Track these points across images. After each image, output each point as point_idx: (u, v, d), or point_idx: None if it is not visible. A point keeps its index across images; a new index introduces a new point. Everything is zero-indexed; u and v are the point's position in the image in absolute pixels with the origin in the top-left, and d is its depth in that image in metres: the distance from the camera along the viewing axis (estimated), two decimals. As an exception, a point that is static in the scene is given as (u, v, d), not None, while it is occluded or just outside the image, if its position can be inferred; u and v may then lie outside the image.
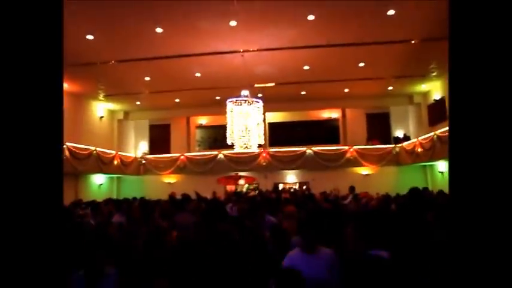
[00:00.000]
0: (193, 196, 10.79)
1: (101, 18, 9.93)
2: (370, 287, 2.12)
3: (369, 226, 2.51)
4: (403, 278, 2.15)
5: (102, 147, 16.76)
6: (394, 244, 2.81)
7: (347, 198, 10.92)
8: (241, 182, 18.03)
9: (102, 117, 19.14)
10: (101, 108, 19.06)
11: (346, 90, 17.43)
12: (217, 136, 19.50)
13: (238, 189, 17.16)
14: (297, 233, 3.70)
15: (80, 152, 15.22)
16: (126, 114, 20.72)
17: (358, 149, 18.09)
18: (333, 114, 20.20)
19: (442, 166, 16.18)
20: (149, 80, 15.06)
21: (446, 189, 12.32)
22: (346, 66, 14.25)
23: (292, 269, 2.75)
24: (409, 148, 16.71)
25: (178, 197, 10.69)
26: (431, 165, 17.08)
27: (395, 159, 17.92)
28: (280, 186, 18.17)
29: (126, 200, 9.96)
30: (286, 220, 5.39)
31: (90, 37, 10.98)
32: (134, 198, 11.26)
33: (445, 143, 13.55)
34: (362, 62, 13.75)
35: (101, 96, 17.65)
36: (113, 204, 8.99)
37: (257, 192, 14.88)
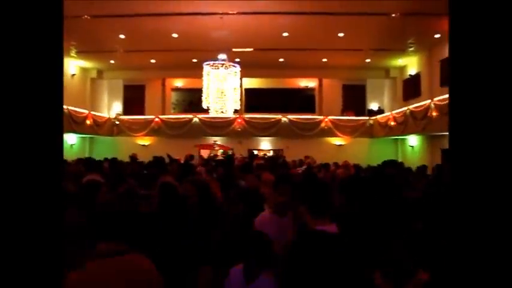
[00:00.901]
0: (166, 159, 10.77)
1: (74, -31, 9.51)
2: (313, 262, 2.17)
3: (318, 197, 2.45)
4: (347, 253, 2.18)
5: (74, 106, 16.36)
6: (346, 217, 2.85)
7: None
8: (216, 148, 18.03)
9: (74, 74, 18.59)
10: (72, 66, 18.48)
11: (324, 60, 17.40)
12: (192, 99, 19.27)
13: (212, 154, 17.16)
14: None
15: (51, 109, 14.83)
16: (100, 73, 20.18)
17: (333, 119, 18.25)
18: (310, 83, 20.21)
19: (413, 140, 16.53)
20: (124, 38, 14.65)
21: (414, 163, 12.66)
22: (325, 36, 14.16)
23: (260, 231, 2.80)
24: (383, 121, 16.96)
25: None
26: (402, 139, 17.43)
27: (368, 132, 18.18)
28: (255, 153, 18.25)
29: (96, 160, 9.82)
30: (264, 186, 5.45)
31: (62, -11, 10.52)
32: (105, 159, 11.15)
33: (416, 118, 13.81)
34: (342, 32, 13.68)
35: (73, 53, 17.05)
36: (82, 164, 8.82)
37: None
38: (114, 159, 9.43)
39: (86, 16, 12.40)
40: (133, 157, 12.03)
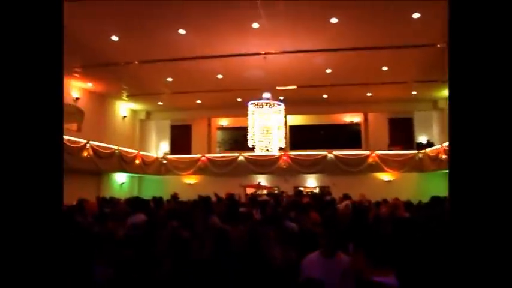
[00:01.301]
0: (213, 198, 10.82)
1: (125, 19, 10.04)
2: None
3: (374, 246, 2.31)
4: None
5: (124, 147, 16.97)
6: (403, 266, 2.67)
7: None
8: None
9: (124, 117, 19.40)
10: (123, 108, 19.31)
11: (369, 94, 17.23)
12: (238, 138, 19.49)
13: (258, 192, 17.12)
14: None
15: (103, 150, 15.43)
16: (148, 114, 20.95)
17: (380, 154, 17.82)
18: (355, 118, 19.99)
19: (466, 173, 15.79)
20: (171, 81, 15.18)
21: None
22: (369, 70, 14.08)
23: (313, 279, 2.69)
24: (433, 154, 16.37)
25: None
26: (455, 172, 16.69)
27: (418, 166, 17.57)
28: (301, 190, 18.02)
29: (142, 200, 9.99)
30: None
31: (114, 38, 11.13)
32: (153, 198, 11.35)
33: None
34: (385, 65, 13.57)
35: (124, 96, 17.82)
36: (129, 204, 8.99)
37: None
38: (158, 200, 9.53)
39: (135, 62, 13.00)
40: (174, 196, 12.20)
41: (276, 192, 16.15)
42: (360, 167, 17.70)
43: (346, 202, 9.82)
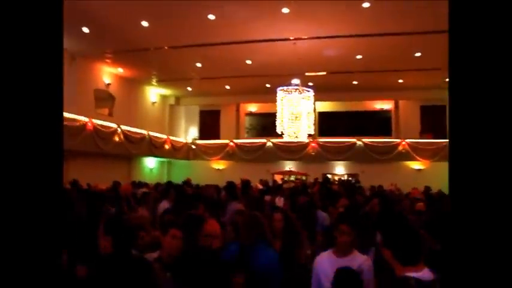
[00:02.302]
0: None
1: (155, 4, 10.06)
2: None
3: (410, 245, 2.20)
4: None
5: (154, 132, 17.23)
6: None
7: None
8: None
9: (154, 102, 19.63)
10: (153, 94, 19.54)
11: (400, 81, 16.83)
12: (266, 124, 19.45)
13: (285, 179, 17.13)
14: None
15: (134, 135, 15.72)
16: (177, 99, 21.13)
17: (411, 142, 17.48)
18: (386, 105, 19.61)
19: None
20: (200, 67, 15.22)
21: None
22: (401, 56, 13.73)
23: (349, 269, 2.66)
24: (466, 143, 15.94)
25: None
26: (489, 161, 16.22)
27: (450, 155, 17.15)
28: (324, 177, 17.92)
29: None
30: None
31: (145, 23, 11.19)
32: (184, 182, 11.55)
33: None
34: (418, 51, 13.19)
35: (154, 82, 18.06)
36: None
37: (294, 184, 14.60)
38: (181, 187, 9.62)
39: (165, 47, 13.08)
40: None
41: (304, 178, 16.12)
42: (390, 155, 17.43)
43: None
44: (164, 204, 6.39)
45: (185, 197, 6.70)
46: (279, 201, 7.89)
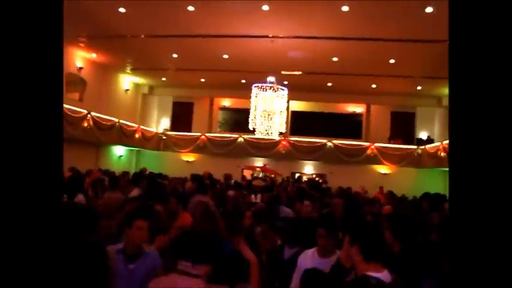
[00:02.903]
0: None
1: (134, -9, 9.92)
2: None
3: (373, 239, 2.31)
4: None
5: (125, 120, 16.96)
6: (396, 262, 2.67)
7: None
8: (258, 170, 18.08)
9: (127, 90, 19.33)
10: (126, 81, 19.23)
11: (374, 86, 17.15)
12: (239, 119, 19.46)
13: (255, 175, 17.19)
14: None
15: (104, 122, 15.43)
16: (151, 89, 20.86)
17: (380, 146, 17.85)
18: (358, 109, 19.94)
19: (463, 172, 15.80)
20: (177, 57, 15.08)
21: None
22: (376, 62, 13.97)
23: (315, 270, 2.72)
24: (432, 151, 16.38)
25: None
26: (453, 170, 16.71)
27: (416, 161, 17.61)
28: (297, 176, 18.11)
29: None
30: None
31: (122, 10, 10.99)
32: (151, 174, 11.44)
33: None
34: (393, 58, 13.47)
35: (128, 69, 17.78)
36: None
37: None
38: (154, 178, 9.56)
39: (142, 35, 12.89)
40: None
41: (272, 176, 16.23)
42: (359, 158, 17.75)
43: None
44: (135, 192, 6.33)
45: (157, 188, 6.64)
46: (256, 198, 7.97)
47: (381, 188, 13.51)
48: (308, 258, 3.25)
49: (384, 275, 2.14)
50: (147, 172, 12.13)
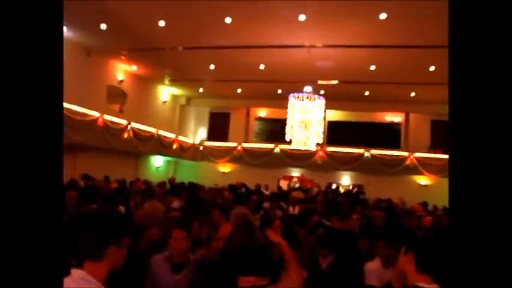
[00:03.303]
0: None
1: (173, 5, 10.14)
2: None
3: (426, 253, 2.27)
4: None
5: (163, 131, 17.30)
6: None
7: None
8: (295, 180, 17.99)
9: (165, 101, 19.74)
10: (165, 93, 19.65)
11: (413, 94, 16.78)
12: (275, 129, 19.45)
13: (291, 185, 17.11)
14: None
15: (143, 133, 15.79)
16: (188, 100, 21.22)
17: (419, 156, 17.39)
18: (396, 118, 19.53)
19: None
20: (214, 69, 15.28)
21: None
22: (415, 69, 13.70)
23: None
24: (475, 161, 15.81)
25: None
26: (497, 181, 16.09)
27: (458, 171, 17.01)
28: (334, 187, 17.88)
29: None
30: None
31: (161, 23, 11.26)
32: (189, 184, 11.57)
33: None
34: (432, 65, 13.16)
35: (166, 81, 18.17)
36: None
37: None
38: (193, 188, 9.66)
39: (180, 48, 13.16)
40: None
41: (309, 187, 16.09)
42: (397, 168, 17.36)
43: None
44: (176, 203, 6.39)
45: (198, 200, 6.69)
46: (294, 210, 7.91)
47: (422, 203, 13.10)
48: (373, 270, 3.26)
49: (433, 287, 2.07)
50: (177, 182, 12.28)
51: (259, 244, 2.38)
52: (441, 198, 14.23)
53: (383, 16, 9.86)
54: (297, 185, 17.45)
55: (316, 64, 13.27)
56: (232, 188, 10.00)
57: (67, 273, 1.68)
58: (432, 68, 13.33)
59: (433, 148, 18.22)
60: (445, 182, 16.90)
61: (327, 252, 3.93)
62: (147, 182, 11.95)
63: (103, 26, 11.59)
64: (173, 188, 8.97)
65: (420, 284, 2.07)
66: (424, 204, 11.05)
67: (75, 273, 1.73)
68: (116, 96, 16.17)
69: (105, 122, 13.60)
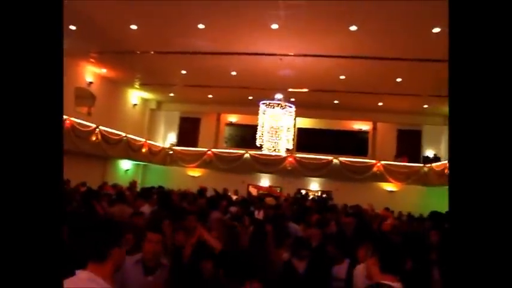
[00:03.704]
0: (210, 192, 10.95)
1: (146, 9, 10.08)
2: None
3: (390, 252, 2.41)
4: None
5: (132, 134, 17.09)
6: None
7: None
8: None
9: (135, 104, 19.50)
10: (135, 96, 19.41)
11: (380, 103, 17.22)
12: (245, 135, 19.56)
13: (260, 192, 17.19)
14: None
15: (112, 136, 15.55)
16: (159, 104, 21.05)
17: (386, 164, 17.83)
18: (364, 126, 19.97)
19: (470, 191, 15.72)
20: (185, 74, 15.23)
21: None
22: (383, 80, 14.07)
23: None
24: (439, 169, 16.35)
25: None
26: (459, 189, 16.62)
27: (422, 179, 17.55)
28: (304, 193, 18.08)
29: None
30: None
31: (133, 27, 11.18)
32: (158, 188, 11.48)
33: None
34: (400, 77, 13.55)
35: (137, 85, 17.98)
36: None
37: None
38: (165, 193, 9.61)
39: (152, 52, 13.07)
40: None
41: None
42: (365, 175, 17.72)
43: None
44: (146, 208, 6.35)
45: (174, 206, 6.67)
46: (259, 214, 7.99)
47: (386, 208, 13.42)
48: (360, 273, 3.38)
49: (398, 286, 2.20)
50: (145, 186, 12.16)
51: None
52: (407, 205, 14.74)
53: (353, 28, 10.11)
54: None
55: (279, 73, 13.45)
56: (201, 192, 9.99)
57: (67, 273, 1.72)
58: (399, 80, 13.74)
59: (398, 156, 18.74)
60: (410, 188, 17.45)
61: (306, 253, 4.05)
62: (116, 186, 11.79)
63: (72, 27, 11.38)
64: (142, 192, 8.90)
65: (383, 282, 2.18)
66: (386, 210, 11.35)
67: (81, 274, 1.81)
68: (84, 98, 15.86)
69: (72, 124, 13.32)
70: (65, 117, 13.00)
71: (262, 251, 4.16)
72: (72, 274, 1.83)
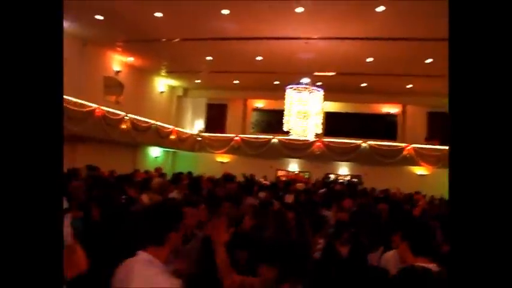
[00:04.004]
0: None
1: (170, -4, 10.10)
2: None
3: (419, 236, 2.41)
4: None
5: (161, 122, 17.30)
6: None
7: None
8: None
9: (162, 92, 19.70)
10: (162, 84, 19.60)
11: (409, 86, 16.81)
12: (272, 120, 19.51)
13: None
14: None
15: (141, 124, 15.80)
16: (186, 91, 21.18)
17: (416, 147, 17.47)
18: (393, 109, 19.57)
19: (505, 174, 15.29)
20: (211, 60, 15.24)
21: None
22: (411, 61, 13.70)
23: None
24: (471, 152, 15.90)
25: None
26: (493, 171, 16.19)
27: (454, 162, 17.11)
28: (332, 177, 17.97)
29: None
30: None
31: (158, 14, 11.22)
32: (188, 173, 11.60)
33: None
34: (429, 58, 13.18)
35: (163, 72, 18.13)
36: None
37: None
38: (197, 178, 9.70)
39: (177, 39, 13.11)
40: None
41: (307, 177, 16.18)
42: (395, 159, 17.44)
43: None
44: (174, 194, 6.41)
45: (200, 191, 6.72)
46: (289, 198, 7.98)
47: (416, 192, 13.21)
48: (390, 260, 3.33)
49: (432, 267, 2.19)
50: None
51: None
52: (438, 188, 14.42)
53: (380, 9, 9.85)
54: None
55: (305, 57, 13.28)
56: (228, 178, 10.05)
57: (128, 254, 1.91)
58: (429, 60, 13.36)
59: (429, 139, 18.31)
60: (442, 172, 17.04)
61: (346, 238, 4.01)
62: (148, 172, 11.98)
63: (99, 17, 11.53)
64: (173, 179, 8.98)
65: (417, 264, 2.18)
66: (416, 194, 11.22)
67: (142, 255, 1.96)
68: (112, 87, 16.13)
69: (102, 112, 13.60)
70: (95, 106, 13.28)
71: (304, 238, 4.14)
72: (134, 255, 1.98)
